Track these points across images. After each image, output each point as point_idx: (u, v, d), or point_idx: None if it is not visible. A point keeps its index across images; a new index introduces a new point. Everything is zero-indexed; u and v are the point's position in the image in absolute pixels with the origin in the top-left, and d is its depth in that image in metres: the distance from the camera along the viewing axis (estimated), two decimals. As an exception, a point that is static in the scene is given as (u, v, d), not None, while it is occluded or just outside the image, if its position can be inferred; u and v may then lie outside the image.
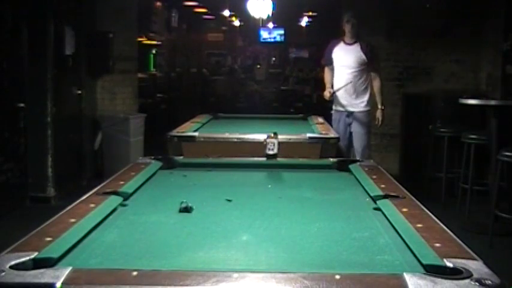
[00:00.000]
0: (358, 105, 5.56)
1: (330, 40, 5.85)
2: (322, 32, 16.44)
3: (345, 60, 5.52)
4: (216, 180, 2.86)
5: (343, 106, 5.57)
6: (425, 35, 7.23)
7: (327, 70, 5.79)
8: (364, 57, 5.48)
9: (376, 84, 5.64)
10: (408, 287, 1.34)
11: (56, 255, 1.56)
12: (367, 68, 5.53)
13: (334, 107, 5.68)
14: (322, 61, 5.89)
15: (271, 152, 3.48)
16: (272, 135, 3.55)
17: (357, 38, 5.55)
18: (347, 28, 5.53)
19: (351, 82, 5.48)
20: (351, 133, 5.58)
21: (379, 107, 5.64)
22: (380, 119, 5.67)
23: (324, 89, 5.78)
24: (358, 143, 5.55)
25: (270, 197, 2.45)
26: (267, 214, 2.13)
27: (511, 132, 5.33)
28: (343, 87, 5.50)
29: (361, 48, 5.49)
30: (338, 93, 5.53)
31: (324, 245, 1.75)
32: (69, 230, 1.78)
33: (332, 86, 5.62)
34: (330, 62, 5.69)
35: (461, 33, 7.16)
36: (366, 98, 5.57)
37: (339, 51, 5.59)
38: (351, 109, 5.56)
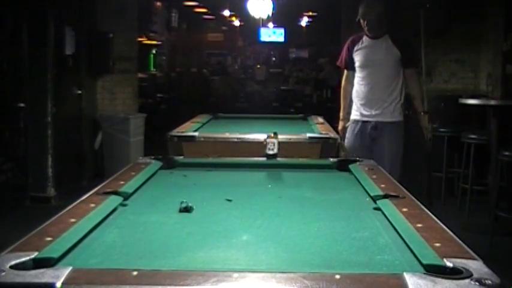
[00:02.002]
0: (392, 113, 4.44)
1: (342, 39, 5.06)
2: (322, 32, 16.45)
3: (373, 58, 4.46)
4: (216, 180, 2.86)
5: (369, 115, 4.47)
6: (425, 35, 7.22)
7: (346, 80, 4.70)
8: (397, 51, 4.40)
9: (414, 83, 4.55)
10: (408, 287, 1.34)
11: (56, 255, 1.56)
12: (400, 65, 4.45)
13: (353, 116, 4.59)
14: (339, 63, 4.78)
15: (271, 152, 3.48)
16: (272, 135, 3.55)
17: (384, 31, 4.48)
18: (364, 26, 4.49)
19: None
20: (371, 151, 4.40)
21: (423, 111, 4.55)
22: (428, 127, 4.56)
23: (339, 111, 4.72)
24: (388, 165, 3.97)
25: (270, 197, 2.45)
26: (267, 214, 2.13)
27: (511, 132, 5.34)
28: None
29: (393, 40, 4.43)
30: (365, 98, 4.49)
31: (324, 245, 1.75)
32: (69, 230, 1.78)
33: (349, 103, 4.63)
34: (351, 65, 4.60)
35: (461, 33, 7.16)
36: (400, 104, 4.48)
37: (363, 47, 4.52)
38: (380, 119, 4.43)
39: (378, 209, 2.16)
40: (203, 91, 15.72)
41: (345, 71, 4.71)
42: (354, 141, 4.49)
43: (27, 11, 5.73)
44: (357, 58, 4.53)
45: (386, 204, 2.15)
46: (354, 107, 4.57)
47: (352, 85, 4.61)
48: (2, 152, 5.44)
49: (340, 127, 4.66)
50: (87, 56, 6.87)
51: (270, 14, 11.25)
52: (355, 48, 4.54)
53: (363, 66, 4.50)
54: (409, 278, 1.37)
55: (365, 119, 4.48)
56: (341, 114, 4.70)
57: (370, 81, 4.47)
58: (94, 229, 1.86)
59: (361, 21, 4.47)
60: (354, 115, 4.56)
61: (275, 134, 3.56)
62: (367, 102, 4.47)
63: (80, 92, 6.77)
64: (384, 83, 4.45)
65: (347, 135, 4.55)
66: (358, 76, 4.55)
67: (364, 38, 4.52)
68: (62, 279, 1.37)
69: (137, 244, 1.76)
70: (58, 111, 6.02)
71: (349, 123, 4.58)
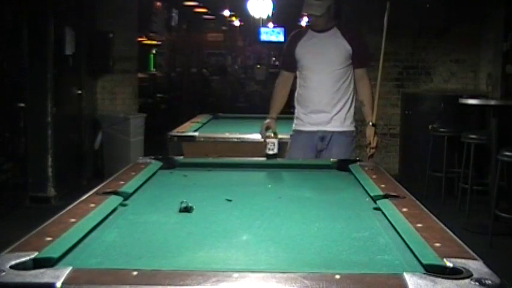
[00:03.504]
0: (342, 122, 3.77)
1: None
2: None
3: (320, 54, 3.72)
4: (216, 180, 2.86)
5: (316, 123, 3.77)
6: (425, 35, 7.23)
7: (282, 82, 3.91)
8: (348, 46, 3.70)
9: (365, 87, 3.82)
10: (408, 287, 1.34)
11: (56, 255, 1.56)
12: (351, 64, 3.76)
13: (295, 126, 3.87)
14: (279, 65, 4.04)
15: (271, 152, 3.48)
16: (272, 135, 3.55)
17: (332, 24, 3.77)
18: (308, 21, 3.85)
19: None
20: None
21: (371, 122, 3.81)
22: (373, 140, 3.79)
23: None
24: None
25: (270, 197, 2.45)
26: (267, 214, 2.13)
27: (511, 132, 5.34)
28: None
29: (343, 34, 3.74)
30: (312, 103, 3.79)
31: (324, 245, 1.75)
32: (69, 230, 1.78)
33: (280, 105, 3.93)
34: (291, 65, 3.84)
35: (461, 33, 7.17)
36: (351, 111, 3.80)
37: (308, 43, 3.77)
38: (329, 128, 3.76)
39: (378, 209, 2.16)
40: (203, 91, 15.73)
41: (282, 73, 3.93)
42: (299, 156, 3.72)
43: (27, 11, 5.73)
44: (301, 56, 3.77)
45: (386, 204, 2.15)
46: (299, 115, 3.86)
47: (288, 88, 3.92)
48: (2, 152, 5.43)
49: (265, 122, 3.80)
50: (87, 56, 6.87)
51: (270, 14, 11.25)
52: (298, 45, 3.78)
53: (308, 64, 3.76)
54: (409, 278, 1.37)
55: (312, 128, 3.77)
56: (269, 113, 3.87)
57: (318, 83, 3.75)
58: (94, 229, 1.86)
59: (305, 14, 3.75)
60: (298, 125, 3.85)
61: (275, 134, 3.56)
62: (314, 109, 3.77)
63: (80, 92, 6.76)
64: (334, 84, 3.73)
65: (290, 148, 3.84)
66: (303, 78, 3.81)
67: (309, 32, 3.81)
68: (62, 279, 1.37)
69: (137, 244, 1.76)
70: (58, 111, 6.01)
71: (291, 133, 3.88)
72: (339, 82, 3.74)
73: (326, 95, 3.74)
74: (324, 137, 3.77)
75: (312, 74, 3.76)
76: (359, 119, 3.99)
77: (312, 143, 3.77)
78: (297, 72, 3.85)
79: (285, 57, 3.90)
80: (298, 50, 3.77)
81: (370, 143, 3.81)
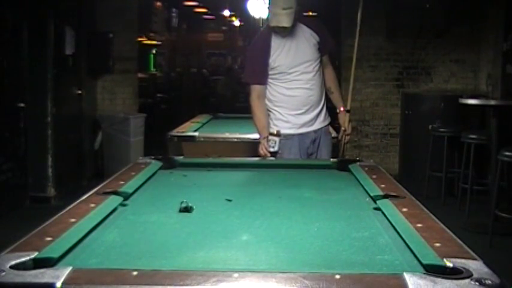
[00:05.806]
0: (324, 116, 3.74)
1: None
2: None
3: (298, 54, 3.60)
4: (216, 180, 2.86)
5: (307, 124, 3.65)
6: (425, 35, 7.23)
7: (259, 98, 3.64)
8: (316, 36, 3.65)
9: (331, 73, 3.81)
10: (408, 287, 1.34)
11: (56, 255, 1.56)
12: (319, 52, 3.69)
13: (284, 130, 3.62)
14: (247, 80, 3.76)
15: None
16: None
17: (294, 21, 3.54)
18: (279, 32, 3.60)
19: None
20: None
21: (342, 108, 3.83)
22: (348, 126, 3.83)
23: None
24: None
25: (270, 197, 2.45)
26: (267, 214, 2.13)
27: (511, 132, 5.34)
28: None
29: (307, 26, 3.66)
30: (302, 104, 3.63)
31: (324, 245, 1.75)
32: (69, 230, 1.78)
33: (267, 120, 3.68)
34: (263, 78, 3.62)
35: (461, 33, 7.17)
36: (324, 102, 3.75)
37: (280, 47, 3.59)
38: (317, 126, 3.69)
39: (378, 209, 2.16)
40: (203, 91, 15.72)
41: (255, 88, 3.65)
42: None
43: (27, 11, 5.73)
44: (279, 63, 3.59)
45: (386, 204, 2.15)
46: (287, 118, 3.64)
47: (264, 102, 3.66)
48: (2, 152, 5.43)
49: (264, 144, 3.60)
50: (87, 56, 6.87)
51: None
52: (271, 53, 3.59)
53: (291, 68, 3.59)
54: (409, 278, 1.37)
55: (303, 130, 3.64)
56: (262, 133, 3.64)
57: (306, 81, 3.62)
58: (94, 229, 1.86)
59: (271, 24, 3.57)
60: (287, 128, 3.63)
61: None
62: (306, 109, 3.64)
63: (80, 92, 6.77)
64: (318, 78, 3.66)
65: (281, 154, 3.59)
66: (287, 81, 3.61)
67: (274, 35, 3.61)
68: (62, 279, 1.37)
69: (137, 244, 1.76)
70: (58, 111, 6.01)
71: (281, 138, 3.61)
72: (320, 75, 3.68)
73: (316, 92, 3.65)
74: (315, 140, 3.68)
75: (297, 75, 3.60)
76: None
77: (304, 145, 3.64)
78: (271, 79, 3.64)
79: (255, 71, 3.66)
80: (273, 58, 3.58)
81: (345, 130, 3.80)
